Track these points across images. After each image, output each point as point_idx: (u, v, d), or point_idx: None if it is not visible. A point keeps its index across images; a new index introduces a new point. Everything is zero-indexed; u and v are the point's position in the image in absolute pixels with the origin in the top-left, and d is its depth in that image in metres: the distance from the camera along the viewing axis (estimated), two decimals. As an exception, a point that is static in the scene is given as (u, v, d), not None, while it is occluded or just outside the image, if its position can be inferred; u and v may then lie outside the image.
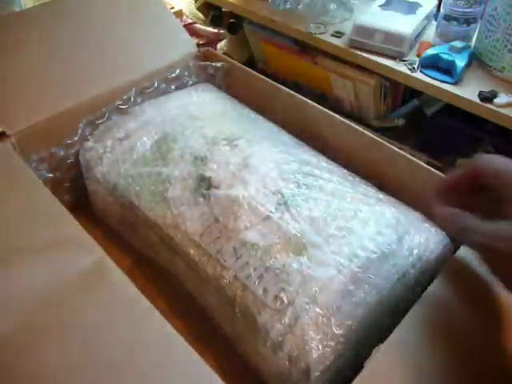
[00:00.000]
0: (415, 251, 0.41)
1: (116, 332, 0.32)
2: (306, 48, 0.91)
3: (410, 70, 0.77)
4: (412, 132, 0.90)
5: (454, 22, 0.77)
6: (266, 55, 1.04)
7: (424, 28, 0.84)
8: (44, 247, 0.37)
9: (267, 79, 0.62)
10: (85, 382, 0.30)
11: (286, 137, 0.55)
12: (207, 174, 0.46)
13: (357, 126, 0.53)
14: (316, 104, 0.57)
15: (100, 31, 0.61)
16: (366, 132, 0.52)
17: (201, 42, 1.07)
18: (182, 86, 0.64)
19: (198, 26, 1.11)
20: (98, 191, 0.52)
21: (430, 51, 0.77)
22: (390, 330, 0.33)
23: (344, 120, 0.54)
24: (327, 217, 0.42)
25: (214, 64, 0.65)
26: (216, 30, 1.10)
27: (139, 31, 0.64)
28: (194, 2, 1.13)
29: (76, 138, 0.53)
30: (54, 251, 0.37)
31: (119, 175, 0.49)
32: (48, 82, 0.54)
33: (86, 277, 0.35)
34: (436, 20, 0.82)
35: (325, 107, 0.56)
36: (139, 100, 0.59)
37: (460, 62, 0.73)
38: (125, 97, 0.57)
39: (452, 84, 0.73)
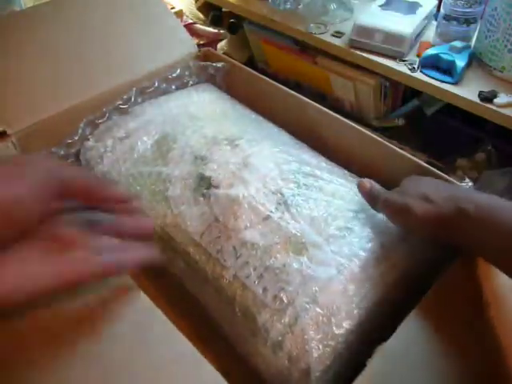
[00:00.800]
0: (415, 252, 0.41)
1: (117, 330, 0.32)
2: (306, 48, 0.91)
3: (410, 69, 0.77)
4: (412, 132, 0.90)
5: (454, 22, 0.77)
6: (266, 55, 1.04)
7: (424, 28, 0.84)
8: None
9: (267, 79, 0.62)
10: (83, 373, 0.30)
11: (286, 137, 0.55)
12: (207, 173, 0.46)
13: (357, 126, 0.53)
14: (316, 104, 0.57)
15: (100, 31, 0.61)
16: (367, 132, 0.52)
17: (201, 42, 1.07)
18: (182, 86, 0.64)
19: (199, 26, 1.11)
20: (98, 191, 0.52)
21: (430, 51, 0.77)
22: (391, 330, 0.33)
23: (344, 120, 0.54)
24: (327, 217, 0.42)
25: (214, 64, 0.65)
26: (216, 30, 1.10)
27: (140, 31, 0.64)
28: (194, 3, 1.13)
29: (76, 138, 0.53)
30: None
31: (120, 174, 0.50)
32: (48, 81, 0.54)
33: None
34: (436, 20, 0.82)
35: (325, 107, 0.57)
36: (139, 100, 0.59)
37: (460, 61, 0.73)
38: (125, 96, 0.58)
39: (452, 84, 0.73)
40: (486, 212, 0.34)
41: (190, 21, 1.12)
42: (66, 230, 0.30)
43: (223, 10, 1.09)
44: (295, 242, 0.40)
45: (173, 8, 1.11)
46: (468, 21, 0.77)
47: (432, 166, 0.47)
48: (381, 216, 0.43)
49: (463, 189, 0.49)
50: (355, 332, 0.36)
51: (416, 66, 0.77)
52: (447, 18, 0.77)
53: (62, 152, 0.53)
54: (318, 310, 0.36)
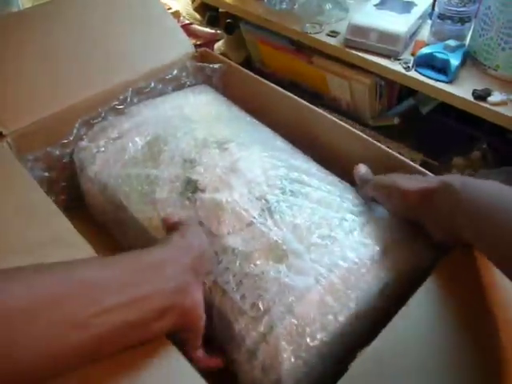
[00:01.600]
0: (399, 264, 0.40)
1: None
2: (302, 48, 0.92)
3: (404, 68, 0.77)
4: (408, 131, 0.90)
5: (449, 21, 0.78)
6: (262, 55, 1.04)
7: (419, 27, 0.85)
8: (34, 246, 0.38)
9: (264, 80, 0.62)
10: None
11: (279, 142, 0.54)
12: (194, 176, 0.46)
13: (353, 129, 0.53)
14: (312, 106, 0.57)
15: (98, 31, 0.62)
16: (363, 135, 0.52)
17: (198, 43, 1.08)
18: (179, 87, 0.64)
19: (195, 26, 1.11)
20: (90, 190, 0.52)
21: (425, 50, 0.77)
22: (368, 343, 0.32)
23: (338, 121, 0.54)
24: (311, 225, 0.41)
25: (211, 65, 0.65)
26: (213, 31, 1.10)
27: (137, 31, 0.64)
28: (190, 3, 1.13)
29: (71, 138, 0.53)
30: (44, 250, 0.37)
31: (110, 175, 0.50)
32: (45, 81, 0.55)
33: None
34: (431, 19, 0.83)
35: (321, 107, 0.57)
36: (136, 100, 0.59)
37: (454, 60, 0.74)
38: (121, 97, 0.58)
39: (446, 82, 0.74)
40: (471, 189, 0.35)
41: (187, 21, 1.13)
42: None
43: (220, 10, 1.09)
44: (276, 250, 0.39)
45: (169, 9, 1.11)
46: (462, 20, 0.78)
47: (428, 164, 0.47)
48: (366, 226, 0.42)
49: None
50: (332, 343, 0.35)
51: (411, 65, 0.77)
52: (442, 16, 0.78)
53: (57, 152, 0.53)
54: (293, 320, 0.35)
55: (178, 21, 1.10)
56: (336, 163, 0.52)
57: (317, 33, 0.86)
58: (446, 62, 0.74)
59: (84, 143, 0.53)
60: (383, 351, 0.32)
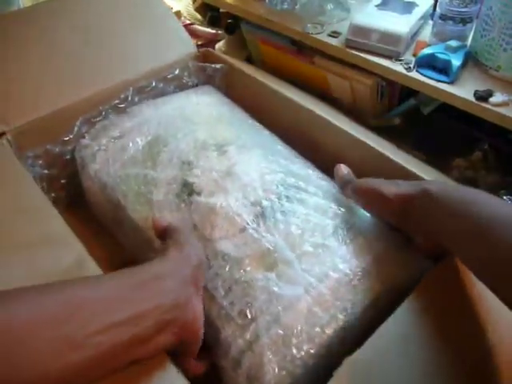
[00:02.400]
0: (390, 276, 0.40)
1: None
2: (303, 48, 0.92)
3: (406, 69, 0.77)
4: (409, 131, 0.90)
5: (450, 22, 0.78)
6: (263, 55, 1.04)
7: (420, 27, 0.84)
8: (27, 244, 0.38)
9: (263, 81, 0.62)
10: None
11: (280, 146, 0.54)
12: (190, 179, 0.46)
13: (353, 132, 0.53)
14: (311, 107, 0.57)
15: (99, 30, 0.62)
16: (361, 138, 0.52)
17: (199, 43, 1.08)
18: (180, 86, 0.64)
19: (196, 26, 1.11)
20: (91, 188, 0.52)
21: (426, 51, 0.77)
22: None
23: (337, 124, 0.54)
24: (304, 232, 0.41)
25: (213, 65, 0.65)
26: (214, 31, 1.10)
27: (139, 30, 0.64)
28: (191, 3, 1.13)
29: (72, 136, 0.54)
30: (37, 248, 0.37)
31: (109, 174, 0.50)
32: (46, 79, 0.55)
33: (67, 275, 0.35)
34: (432, 19, 0.83)
35: (323, 107, 0.57)
36: (137, 99, 0.59)
37: (456, 61, 0.73)
38: (122, 96, 0.58)
39: (448, 83, 0.74)
40: (447, 194, 0.36)
41: (188, 21, 1.13)
42: None
43: (221, 10, 1.09)
44: (267, 257, 0.39)
45: (171, 9, 1.11)
46: (464, 20, 0.78)
47: (429, 165, 0.47)
48: (360, 235, 0.42)
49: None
50: (318, 355, 0.34)
51: (412, 66, 0.77)
52: (443, 17, 0.78)
53: (58, 149, 0.53)
54: (279, 330, 0.35)
55: (179, 21, 1.10)
56: (333, 163, 0.52)
57: (318, 33, 0.86)
58: (448, 63, 0.74)
59: (86, 141, 0.53)
60: (368, 360, 0.32)
